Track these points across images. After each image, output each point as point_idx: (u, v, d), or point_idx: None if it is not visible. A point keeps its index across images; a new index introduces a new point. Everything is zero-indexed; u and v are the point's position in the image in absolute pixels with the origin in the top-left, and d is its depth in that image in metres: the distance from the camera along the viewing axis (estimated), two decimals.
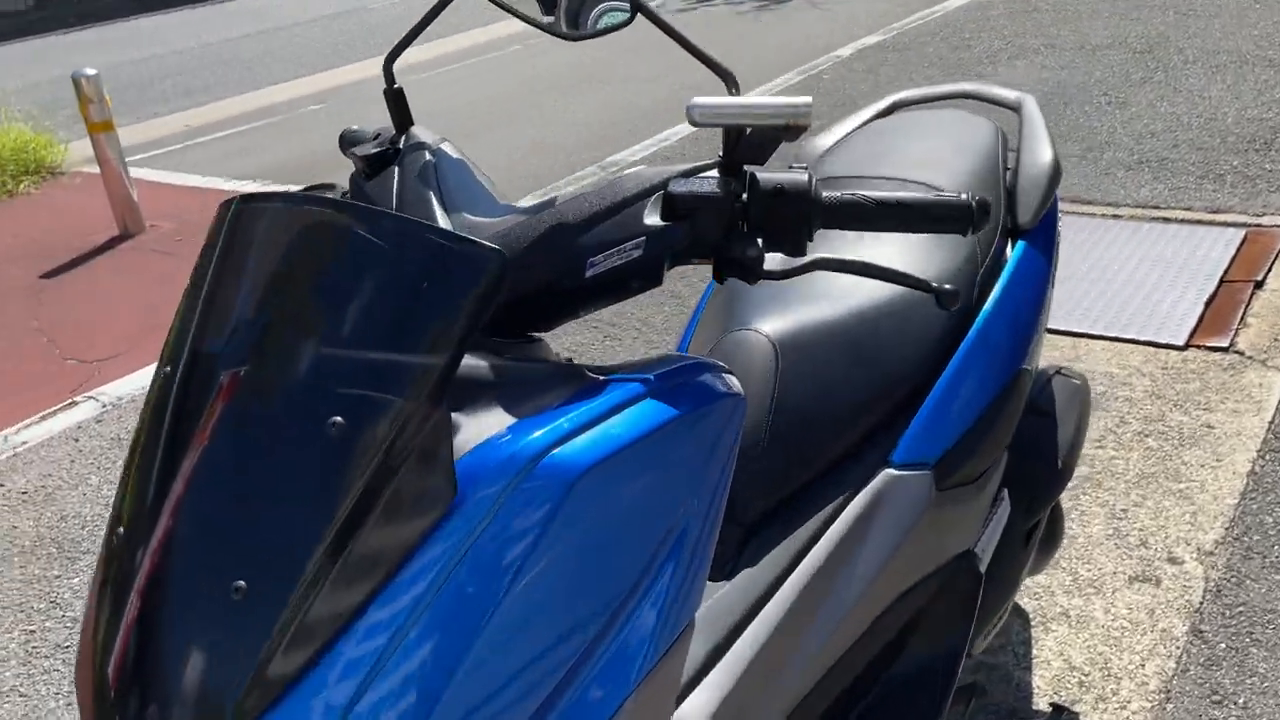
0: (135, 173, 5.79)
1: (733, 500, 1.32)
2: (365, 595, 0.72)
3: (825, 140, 1.86)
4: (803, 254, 0.92)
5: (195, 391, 0.79)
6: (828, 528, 1.32)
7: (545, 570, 0.76)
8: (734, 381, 0.93)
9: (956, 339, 1.46)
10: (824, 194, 0.91)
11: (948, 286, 0.91)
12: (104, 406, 3.30)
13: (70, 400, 3.35)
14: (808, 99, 0.87)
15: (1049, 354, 2.98)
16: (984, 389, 1.46)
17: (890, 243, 1.51)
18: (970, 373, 1.45)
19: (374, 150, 1.06)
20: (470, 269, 0.76)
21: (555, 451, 0.77)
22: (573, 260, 0.89)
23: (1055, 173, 1.65)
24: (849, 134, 1.84)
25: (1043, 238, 1.63)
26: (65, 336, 3.87)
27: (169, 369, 0.82)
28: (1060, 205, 3.98)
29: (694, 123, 0.87)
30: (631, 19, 0.95)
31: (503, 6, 1.00)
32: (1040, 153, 1.67)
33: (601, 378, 0.87)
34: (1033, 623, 2.06)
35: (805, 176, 0.91)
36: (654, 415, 0.84)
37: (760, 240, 0.90)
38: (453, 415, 0.79)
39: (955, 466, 1.41)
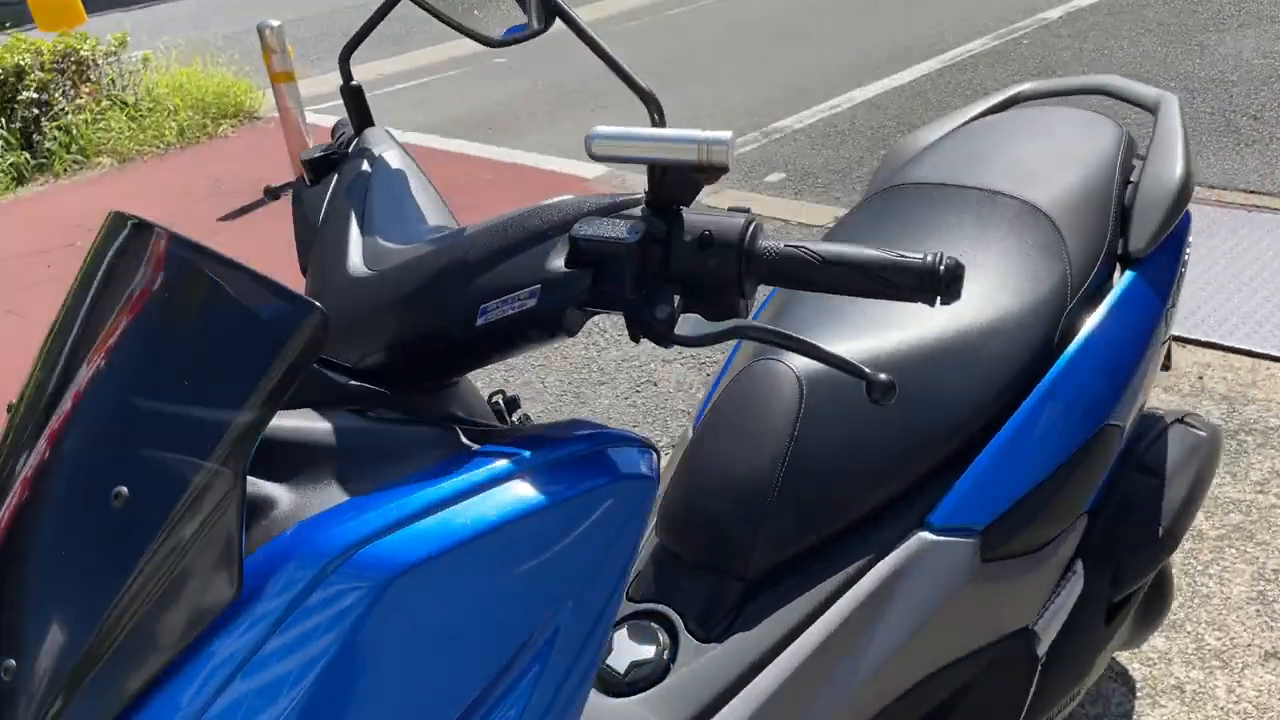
0: (319, 120, 6.02)
1: (733, 551, 1.18)
2: (129, 698, 0.63)
3: (928, 135, 1.64)
4: (735, 315, 0.77)
5: (23, 435, 0.73)
6: (843, 593, 1.16)
7: (352, 679, 0.66)
8: (648, 460, 0.79)
9: (1030, 385, 1.26)
10: (761, 245, 0.76)
11: (883, 377, 0.74)
12: None
13: None
14: (727, 134, 0.72)
15: (1222, 376, 2.63)
16: (1056, 446, 1.25)
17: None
18: (1040, 426, 1.24)
19: (317, 155, 0.97)
20: (285, 325, 0.65)
21: (376, 543, 0.67)
22: (465, 305, 0.78)
23: (1183, 192, 1.39)
24: (955, 130, 1.62)
25: (1159, 269, 1.38)
26: None
27: (14, 401, 0.77)
28: (1266, 200, 3.52)
29: (592, 155, 0.74)
30: (548, 25, 0.82)
31: (424, 7, 0.88)
32: (1169, 167, 1.41)
33: (476, 446, 0.76)
34: (1139, 693, 1.81)
35: (740, 222, 0.76)
36: (521, 500, 0.72)
37: (678, 297, 0.75)
38: (277, 487, 0.70)
39: (1008, 535, 1.22)
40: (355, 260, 0.85)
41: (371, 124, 1.01)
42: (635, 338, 0.77)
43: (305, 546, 0.66)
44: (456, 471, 0.72)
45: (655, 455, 0.80)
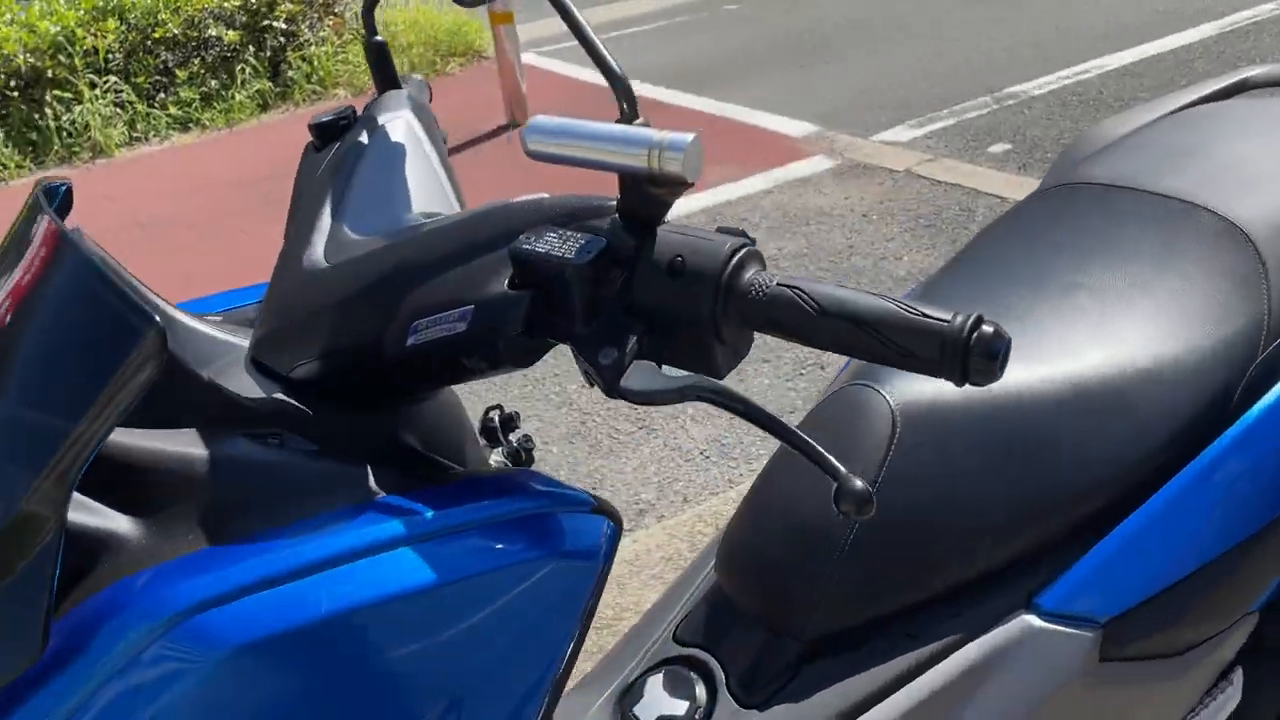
0: (543, 63, 6.04)
1: (790, 605, 1.01)
2: None
3: (1125, 123, 1.37)
4: (710, 365, 0.60)
5: None
6: (917, 675, 0.98)
7: None
8: (602, 533, 0.64)
9: (1195, 450, 1.01)
10: (747, 279, 0.58)
11: (859, 485, 0.55)
12: None
13: None
14: (688, 136, 0.55)
15: None
16: (1220, 530, 1.01)
17: (1124, 284, 1.07)
18: (1201, 502, 1.00)
19: (327, 119, 0.86)
20: (121, 339, 0.55)
21: (219, 608, 0.56)
22: (400, 319, 0.65)
23: None
24: (1159, 120, 1.34)
25: None
26: None
27: None
28: None
29: (528, 152, 0.59)
30: None
31: None
32: None
33: (381, 494, 0.63)
34: None
35: (724, 247, 0.58)
36: (415, 571, 0.59)
37: (634, 338, 0.59)
38: (132, 523, 0.60)
39: (1141, 633, 0.99)
40: (316, 249, 0.74)
41: (396, 86, 0.89)
42: (589, 380, 0.62)
43: (139, 602, 0.56)
44: (348, 525, 0.60)
45: (614, 526, 0.65)
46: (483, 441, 0.84)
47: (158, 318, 0.53)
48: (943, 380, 1.02)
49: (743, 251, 0.59)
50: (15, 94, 5.43)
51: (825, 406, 1.07)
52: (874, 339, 0.55)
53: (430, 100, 1.06)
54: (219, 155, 5.31)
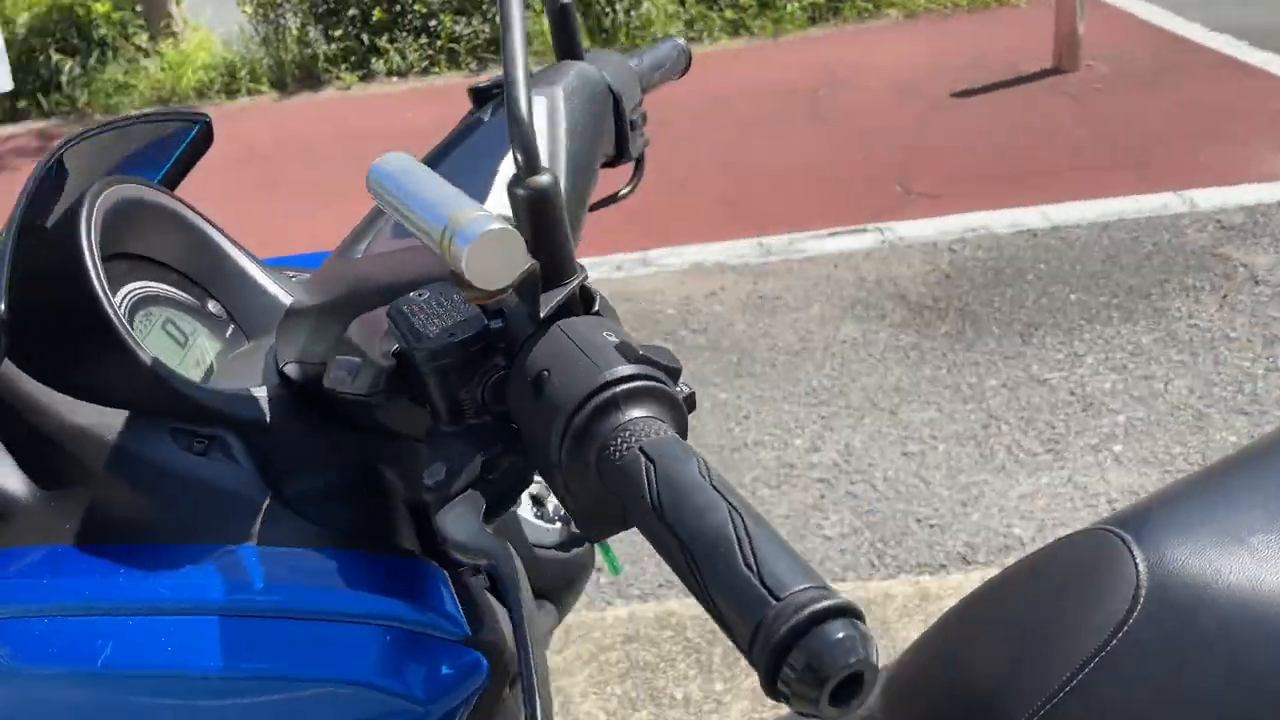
0: (1117, 1, 5.33)
1: None
2: None
3: None
4: (578, 523, 0.43)
5: None
6: None
7: None
8: (456, 666, 0.51)
9: None
10: (614, 426, 0.40)
11: None
12: (885, 242, 3.27)
13: (859, 227, 3.38)
14: (487, 226, 0.37)
15: None
16: None
17: None
18: None
19: (486, 84, 0.76)
20: None
21: (26, 620, 0.52)
22: (337, 348, 0.55)
23: None
24: None
25: None
26: (913, 162, 3.86)
27: None
28: None
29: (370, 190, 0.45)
30: None
31: None
32: None
33: (248, 545, 0.54)
34: None
35: (601, 376, 0.41)
36: (198, 649, 0.51)
37: (483, 458, 0.44)
38: (36, 492, 0.58)
39: None
40: (369, 235, 0.65)
41: (577, 56, 0.76)
42: None
43: None
44: (186, 569, 0.53)
45: (488, 666, 0.51)
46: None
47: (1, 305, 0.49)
48: (1227, 552, 0.71)
49: (620, 389, 0.40)
50: None
51: (1057, 550, 0.79)
52: (693, 578, 0.35)
53: (685, 71, 0.90)
54: (762, 62, 5.41)
